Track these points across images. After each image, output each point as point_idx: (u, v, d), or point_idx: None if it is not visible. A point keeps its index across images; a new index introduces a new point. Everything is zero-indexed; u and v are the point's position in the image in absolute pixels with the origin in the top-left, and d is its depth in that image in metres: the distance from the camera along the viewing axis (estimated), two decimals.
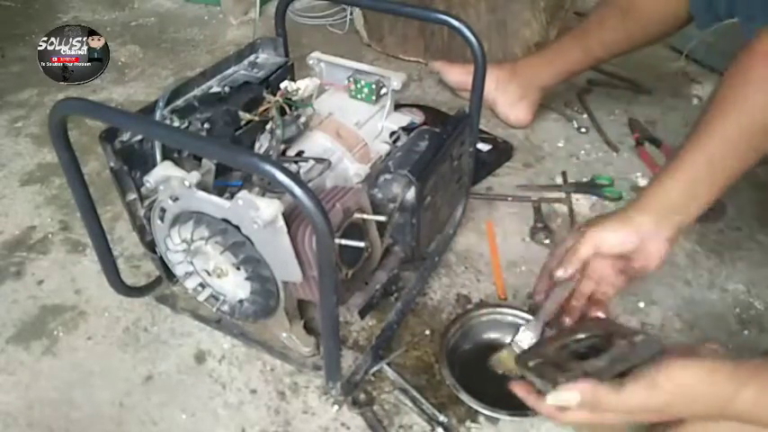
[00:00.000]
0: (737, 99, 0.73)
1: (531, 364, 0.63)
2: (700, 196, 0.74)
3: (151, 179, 0.68)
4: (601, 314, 0.67)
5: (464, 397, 0.73)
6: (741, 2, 0.89)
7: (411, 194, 0.77)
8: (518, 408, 0.72)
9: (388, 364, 0.79)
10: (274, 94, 0.78)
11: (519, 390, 0.64)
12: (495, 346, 0.79)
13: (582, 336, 0.65)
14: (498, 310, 0.84)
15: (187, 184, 0.66)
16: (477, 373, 0.77)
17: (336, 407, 0.75)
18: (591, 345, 0.64)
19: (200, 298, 0.74)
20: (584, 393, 0.56)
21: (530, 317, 0.80)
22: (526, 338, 0.74)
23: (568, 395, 0.57)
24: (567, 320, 0.77)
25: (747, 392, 0.54)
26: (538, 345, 0.70)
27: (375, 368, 0.79)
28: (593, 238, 0.75)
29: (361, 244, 0.69)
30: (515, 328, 0.79)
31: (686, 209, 0.75)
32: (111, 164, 0.70)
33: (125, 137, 0.70)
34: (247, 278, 0.69)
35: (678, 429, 0.63)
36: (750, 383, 0.54)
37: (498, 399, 0.73)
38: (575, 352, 0.63)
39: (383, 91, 0.88)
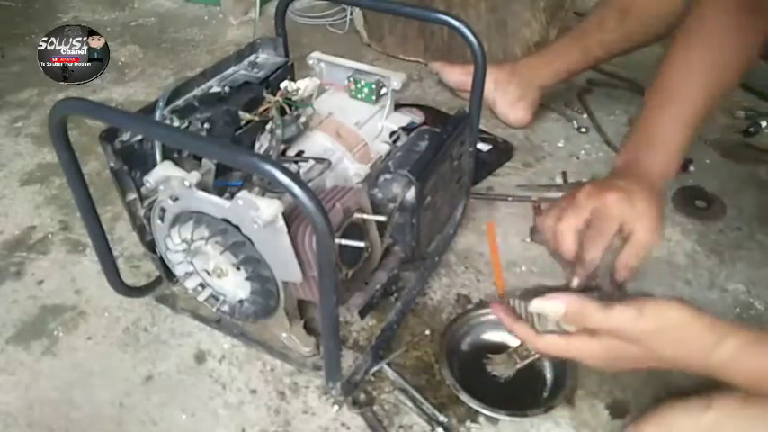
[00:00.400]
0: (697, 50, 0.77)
1: (518, 293, 0.63)
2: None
3: (151, 179, 0.68)
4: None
5: (464, 397, 0.73)
6: None
7: (411, 194, 0.77)
8: (518, 408, 0.72)
9: (388, 364, 0.79)
10: (274, 94, 0.78)
11: (497, 310, 0.64)
12: (495, 346, 0.80)
13: (573, 286, 0.67)
14: None
15: (187, 184, 0.66)
16: (477, 373, 0.77)
17: (336, 407, 0.75)
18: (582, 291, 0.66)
19: (201, 298, 0.74)
20: (570, 305, 0.56)
21: None
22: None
23: (554, 303, 0.56)
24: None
25: (726, 346, 0.55)
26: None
27: (375, 368, 0.79)
28: (642, 244, 0.70)
29: (361, 244, 0.69)
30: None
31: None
32: (111, 164, 0.70)
33: (125, 137, 0.70)
34: (247, 278, 0.69)
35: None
36: (730, 338, 0.55)
37: (498, 399, 0.73)
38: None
39: (383, 91, 0.88)
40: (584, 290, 0.67)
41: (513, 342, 0.77)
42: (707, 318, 0.56)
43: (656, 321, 0.55)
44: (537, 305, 0.58)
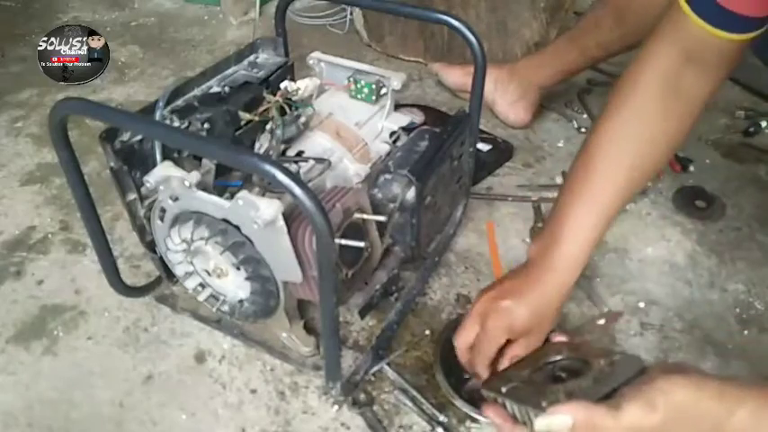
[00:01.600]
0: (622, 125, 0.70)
1: (504, 389, 0.58)
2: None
3: (151, 179, 0.68)
4: (562, 337, 0.65)
5: (458, 403, 0.73)
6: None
7: (411, 194, 0.77)
8: None
9: (388, 364, 0.79)
10: (274, 94, 0.78)
11: (494, 416, 0.60)
12: None
13: (556, 358, 0.62)
14: None
15: (187, 184, 0.66)
16: (473, 378, 0.77)
17: (336, 407, 0.75)
18: (566, 366, 0.61)
19: (201, 298, 0.74)
20: (577, 415, 0.51)
21: None
22: None
23: (560, 419, 0.51)
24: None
25: (740, 415, 0.51)
26: (505, 371, 0.67)
27: (375, 368, 0.79)
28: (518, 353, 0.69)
29: (361, 244, 0.69)
30: None
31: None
32: (111, 164, 0.70)
33: (125, 137, 0.70)
34: (247, 278, 0.69)
35: None
36: (745, 403, 0.51)
37: None
38: (550, 375, 0.60)
39: (383, 91, 0.88)
40: (571, 368, 0.60)
41: None
42: (713, 385, 0.52)
43: (668, 409, 0.51)
44: (543, 424, 0.53)
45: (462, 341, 0.72)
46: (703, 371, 0.58)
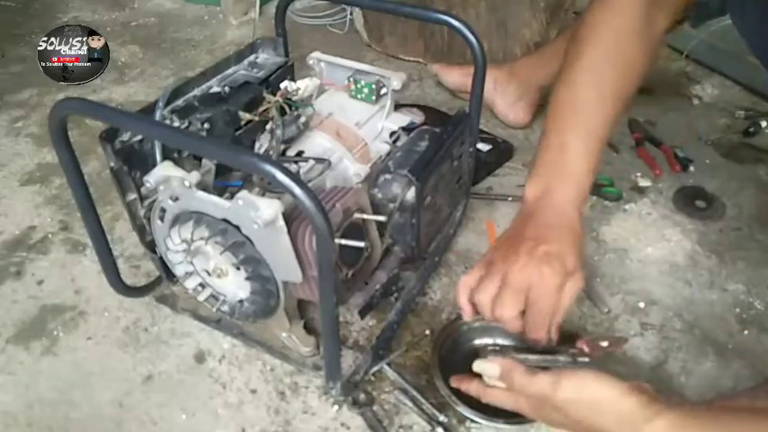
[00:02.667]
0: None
1: (489, 347, 0.68)
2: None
3: (151, 179, 0.68)
4: (583, 345, 0.66)
5: (461, 408, 0.71)
6: None
7: (411, 194, 0.77)
8: (516, 414, 0.71)
9: (388, 364, 0.79)
10: (274, 94, 0.78)
11: (454, 380, 0.71)
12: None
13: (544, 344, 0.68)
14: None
15: (187, 184, 0.66)
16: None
17: (336, 407, 0.75)
18: (543, 347, 0.67)
19: (201, 298, 0.74)
20: (503, 368, 0.63)
21: None
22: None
23: (489, 366, 0.65)
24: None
25: (659, 422, 0.52)
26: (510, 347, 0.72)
27: (375, 368, 0.79)
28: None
29: (361, 244, 0.69)
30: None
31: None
32: (111, 164, 0.70)
33: (125, 137, 0.70)
34: (247, 278, 0.69)
35: None
36: (665, 414, 0.53)
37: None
38: (526, 347, 0.67)
39: (383, 91, 0.88)
40: (546, 349, 0.66)
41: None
42: (644, 396, 0.54)
43: (571, 393, 0.57)
44: (477, 365, 0.66)
45: (513, 309, 0.65)
46: (655, 392, 0.57)
